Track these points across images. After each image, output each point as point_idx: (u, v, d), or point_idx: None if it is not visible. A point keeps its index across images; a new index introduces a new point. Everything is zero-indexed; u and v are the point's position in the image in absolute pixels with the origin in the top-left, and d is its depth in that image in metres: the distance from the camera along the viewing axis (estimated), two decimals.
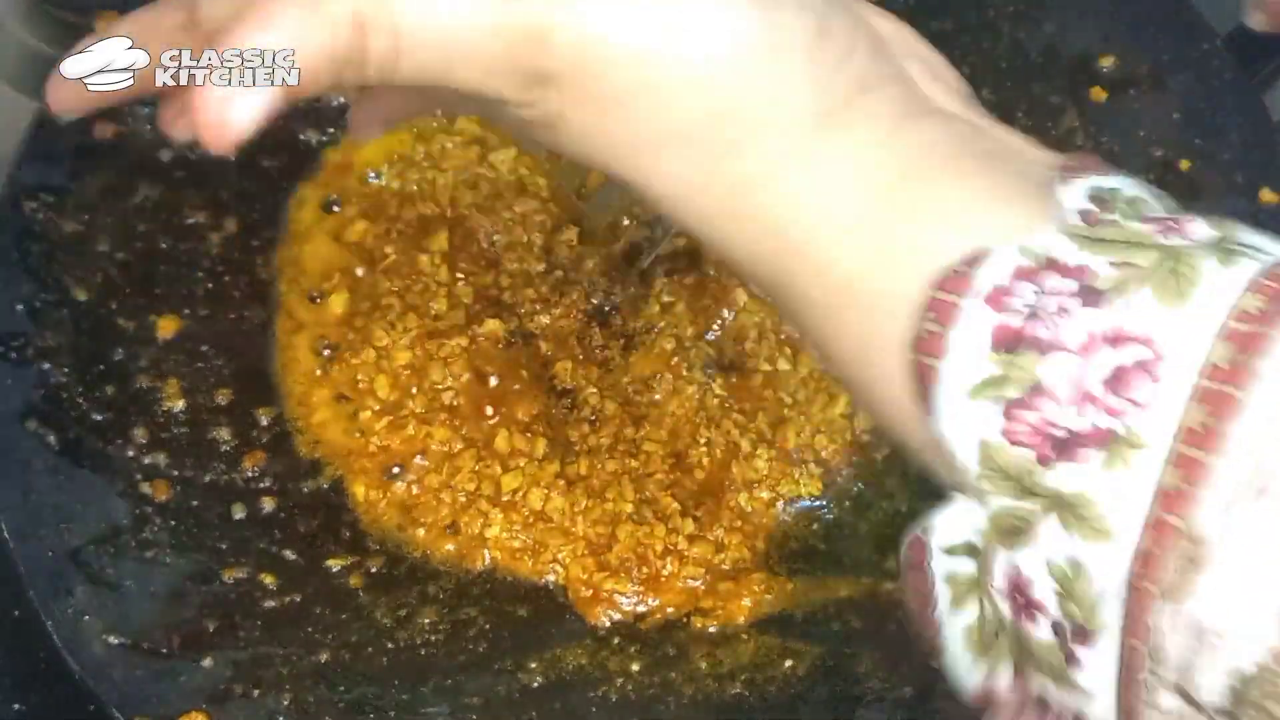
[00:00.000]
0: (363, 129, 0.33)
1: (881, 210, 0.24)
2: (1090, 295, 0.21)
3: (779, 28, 0.24)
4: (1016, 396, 0.21)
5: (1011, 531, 0.21)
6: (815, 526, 0.46)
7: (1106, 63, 0.51)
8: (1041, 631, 0.21)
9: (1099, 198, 0.23)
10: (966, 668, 0.23)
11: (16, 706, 0.41)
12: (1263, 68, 0.54)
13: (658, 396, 0.48)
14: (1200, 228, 0.22)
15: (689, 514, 0.46)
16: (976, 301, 0.22)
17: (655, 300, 0.49)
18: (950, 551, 0.23)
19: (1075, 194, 0.23)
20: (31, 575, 0.40)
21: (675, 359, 0.48)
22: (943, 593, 0.23)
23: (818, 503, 0.47)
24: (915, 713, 0.40)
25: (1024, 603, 0.21)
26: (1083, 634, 0.21)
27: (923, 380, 0.22)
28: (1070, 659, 0.21)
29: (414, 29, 0.22)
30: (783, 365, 0.48)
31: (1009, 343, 0.21)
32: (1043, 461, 0.21)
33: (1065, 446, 0.20)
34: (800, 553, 0.46)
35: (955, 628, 0.23)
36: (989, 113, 0.27)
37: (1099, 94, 0.51)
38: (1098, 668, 0.20)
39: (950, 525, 0.23)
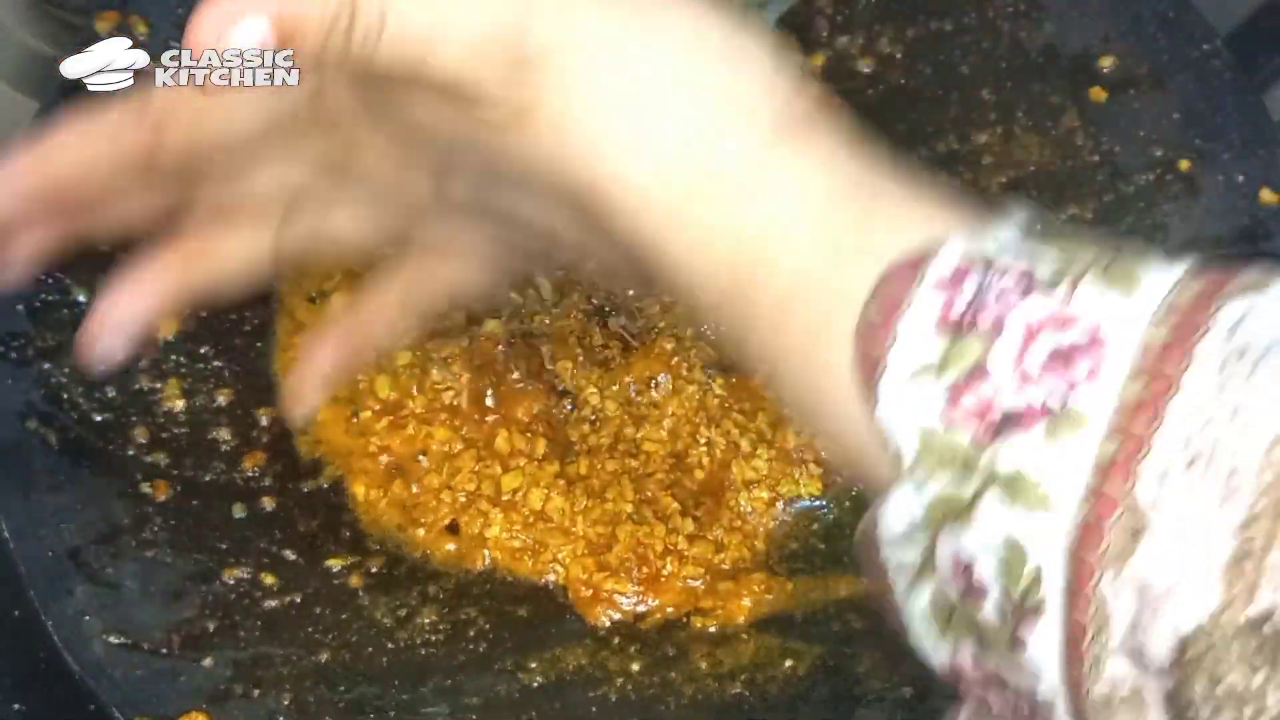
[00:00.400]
0: (302, 396, 0.34)
1: (831, 216, 0.25)
2: (1032, 284, 0.22)
3: (744, 42, 0.26)
4: (959, 379, 0.22)
5: (951, 515, 0.22)
6: (815, 526, 0.46)
7: (1106, 63, 0.51)
8: (988, 613, 0.22)
9: (1037, 219, 0.25)
10: (931, 648, 0.24)
11: (16, 706, 0.41)
12: (1263, 68, 0.54)
13: (658, 396, 0.48)
14: (1134, 244, 0.24)
15: (689, 514, 0.46)
16: (923, 291, 0.23)
17: (655, 300, 0.49)
18: (897, 540, 0.23)
19: (1014, 214, 0.25)
20: (31, 575, 0.40)
21: (675, 359, 0.48)
22: (897, 579, 0.24)
23: (818, 503, 0.47)
24: (915, 713, 0.40)
25: (968, 586, 0.22)
26: (1024, 613, 0.21)
27: (867, 367, 0.23)
28: (1015, 639, 0.21)
29: (403, 3, 0.24)
30: None
31: (953, 328, 0.22)
32: (983, 441, 0.21)
33: (1005, 425, 0.21)
34: (800, 553, 0.46)
35: (914, 611, 0.24)
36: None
37: (1099, 94, 0.51)
38: (1042, 646, 0.21)
39: (894, 514, 0.23)
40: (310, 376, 0.34)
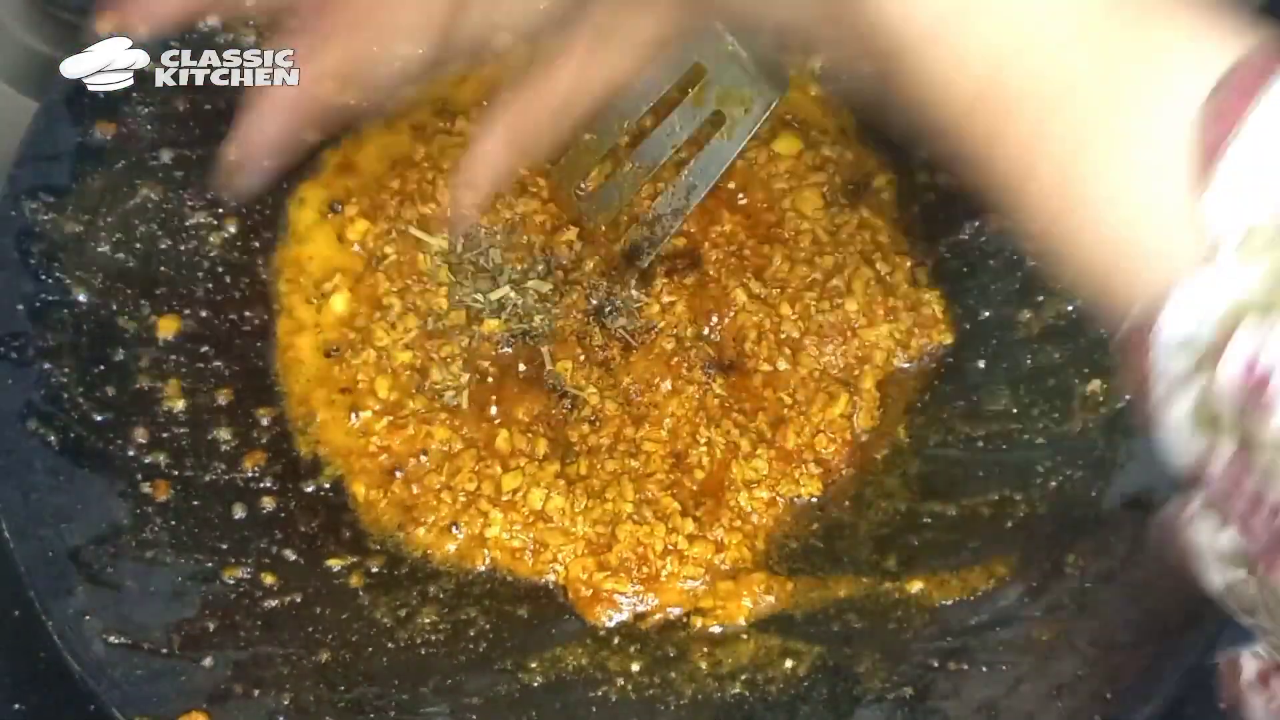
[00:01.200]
0: (473, 188, 0.33)
1: (1110, 21, 0.24)
2: None
3: None
4: None
5: (1261, 312, 0.21)
6: (815, 526, 0.46)
7: None
8: (1272, 421, 0.21)
9: None
10: (1182, 445, 0.23)
11: (16, 706, 0.41)
12: None
13: (658, 397, 0.48)
14: None
15: (689, 514, 0.46)
16: None
17: (655, 300, 0.49)
18: (1177, 338, 0.23)
19: None
20: (31, 575, 0.40)
21: (675, 359, 0.48)
22: (1166, 370, 0.23)
23: (817, 502, 0.47)
24: (915, 713, 0.40)
25: (1258, 389, 0.21)
26: None
27: (1204, 153, 0.22)
28: None
29: None
30: (783, 365, 0.48)
31: None
32: None
33: None
34: (800, 553, 0.46)
35: (1176, 406, 0.23)
36: None
37: None
38: None
39: (1185, 309, 0.22)
40: (481, 169, 0.33)
